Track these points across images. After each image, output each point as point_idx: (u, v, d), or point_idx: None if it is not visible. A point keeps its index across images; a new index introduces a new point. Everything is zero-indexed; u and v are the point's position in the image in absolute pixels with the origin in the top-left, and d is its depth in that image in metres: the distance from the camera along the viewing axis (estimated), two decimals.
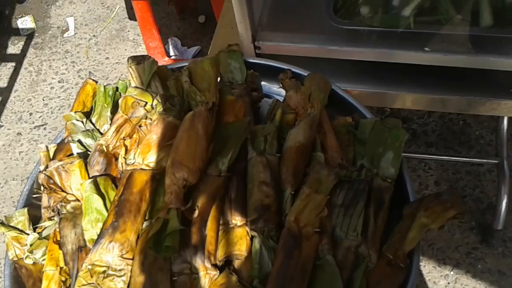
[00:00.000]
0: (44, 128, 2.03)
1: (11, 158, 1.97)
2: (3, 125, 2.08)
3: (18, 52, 2.33)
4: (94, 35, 2.32)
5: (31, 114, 2.09)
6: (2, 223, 0.80)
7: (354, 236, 0.72)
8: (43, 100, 2.12)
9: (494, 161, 1.50)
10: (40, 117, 2.07)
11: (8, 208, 1.84)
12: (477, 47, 0.95)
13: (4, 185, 1.90)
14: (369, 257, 0.72)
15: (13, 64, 2.28)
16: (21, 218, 0.81)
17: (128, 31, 2.32)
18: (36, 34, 2.38)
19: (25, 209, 0.82)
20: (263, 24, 1.07)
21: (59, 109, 2.07)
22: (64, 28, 2.38)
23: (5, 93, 2.18)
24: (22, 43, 2.36)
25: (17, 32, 2.41)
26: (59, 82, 2.17)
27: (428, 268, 1.51)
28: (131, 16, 2.35)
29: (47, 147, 0.88)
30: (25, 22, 2.43)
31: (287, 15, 1.09)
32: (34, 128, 2.04)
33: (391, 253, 0.73)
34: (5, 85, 2.21)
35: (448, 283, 1.48)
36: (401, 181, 0.81)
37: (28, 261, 0.75)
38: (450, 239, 1.55)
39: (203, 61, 0.79)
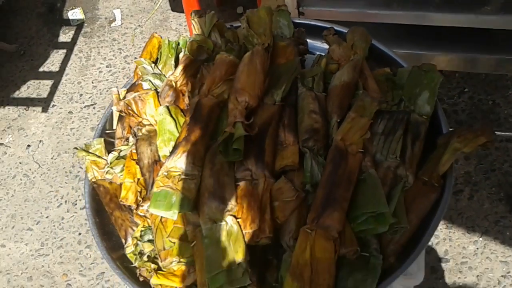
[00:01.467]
0: (94, 108, 2.18)
1: (63, 134, 2.12)
2: (55, 105, 2.24)
3: (69, 40, 2.50)
4: (139, 25, 2.47)
5: (81, 95, 2.25)
6: (83, 149, 0.93)
7: (393, 158, 0.82)
8: (92, 83, 2.28)
9: None
10: (89, 97, 2.22)
11: (61, 178, 1.98)
12: (507, 8, 1.04)
13: (57, 157, 2.05)
14: (406, 177, 0.81)
15: (64, 51, 2.45)
16: (98, 146, 0.94)
17: (171, 21, 2.46)
18: (85, 24, 2.55)
19: (102, 139, 0.95)
20: None
21: (107, 90, 2.22)
22: (111, 19, 2.54)
23: (57, 76, 2.35)
24: (73, 32, 2.53)
25: (67, 22, 2.59)
26: (107, 66, 2.32)
27: (457, 235, 1.58)
28: (174, 8, 2.50)
29: (118, 90, 1.00)
30: (75, 13, 2.61)
31: None
32: (84, 107, 2.19)
33: (426, 176, 0.82)
34: (57, 69, 2.38)
35: (477, 248, 1.55)
36: (436, 119, 0.90)
37: (108, 176, 0.87)
38: (479, 209, 1.62)
39: (259, 10, 0.91)
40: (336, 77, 0.90)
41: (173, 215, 0.76)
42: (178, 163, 0.77)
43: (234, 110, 0.80)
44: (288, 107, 0.85)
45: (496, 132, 1.65)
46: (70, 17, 2.59)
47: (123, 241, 0.86)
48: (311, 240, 0.72)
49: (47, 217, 1.91)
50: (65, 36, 2.53)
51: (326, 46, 1.03)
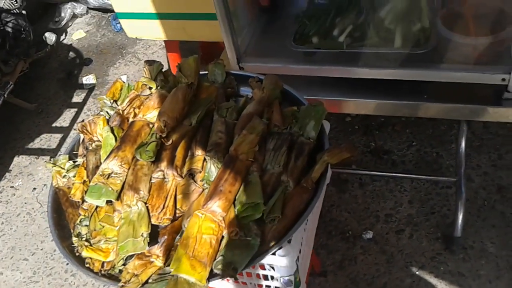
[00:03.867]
0: None
1: None
2: (61, 154, 2.55)
3: (80, 101, 2.87)
4: None
5: None
6: (51, 162, 1.20)
7: (277, 167, 1.05)
8: None
9: (453, 179, 1.76)
10: None
11: None
12: (392, 63, 1.31)
13: None
14: (288, 182, 1.04)
15: (76, 109, 2.81)
16: (63, 160, 1.21)
17: None
18: (96, 88, 2.93)
19: (67, 155, 1.22)
20: (247, 52, 1.48)
21: None
22: None
23: (66, 131, 2.69)
24: (84, 94, 2.91)
25: (81, 86, 2.98)
26: None
27: (396, 269, 1.74)
28: None
29: (83, 120, 1.29)
30: (88, 79, 3.00)
31: (266, 43, 1.50)
32: None
33: (305, 182, 1.05)
34: (67, 125, 2.72)
35: (413, 281, 1.70)
36: (322, 143, 1.14)
37: (64, 180, 1.13)
38: (417, 246, 1.78)
39: (189, 59, 1.20)
40: (246, 109, 1.16)
41: (102, 203, 1.01)
42: (110, 165, 1.03)
43: (157, 125, 1.06)
44: (202, 128, 1.11)
45: (431, 176, 1.87)
46: (84, 82, 2.98)
47: (72, 231, 1.10)
48: (200, 221, 0.95)
49: (41, 249, 2.16)
50: (77, 97, 2.90)
51: None
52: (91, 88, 2.94)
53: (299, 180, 1.07)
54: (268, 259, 1.00)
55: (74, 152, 1.27)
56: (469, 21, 1.27)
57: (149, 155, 1.01)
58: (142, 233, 0.93)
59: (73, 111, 2.81)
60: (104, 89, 2.90)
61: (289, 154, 1.08)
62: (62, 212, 1.15)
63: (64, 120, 2.78)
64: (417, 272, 1.72)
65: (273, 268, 1.07)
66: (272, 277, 1.13)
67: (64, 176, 1.14)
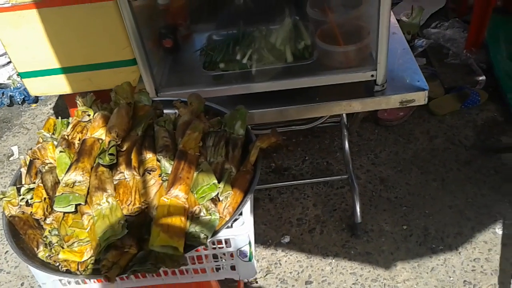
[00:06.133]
0: None
1: None
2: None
3: None
4: None
5: None
6: (0, 194, 1.24)
7: (220, 158, 1.25)
8: None
9: (345, 176, 2.09)
10: None
11: None
12: (287, 75, 1.61)
13: None
14: (231, 169, 1.24)
15: None
16: (12, 191, 1.26)
17: None
18: None
19: (14, 187, 1.27)
20: (162, 84, 1.68)
21: None
22: (9, 154, 2.86)
23: None
24: None
25: None
26: None
27: (316, 261, 1.97)
28: None
29: (24, 157, 1.36)
30: None
31: (178, 75, 1.72)
32: None
33: (244, 167, 1.26)
34: None
35: (332, 267, 1.94)
36: (249, 138, 1.36)
37: (22, 203, 1.19)
38: (329, 239, 2.05)
39: (122, 84, 1.36)
40: (180, 119, 1.35)
41: (71, 208, 1.11)
42: (72, 175, 1.14)
43: (108, 138, 1.20)
44: (147, 137, 1.27)
45: (327, 178, 2.18)
46: None
47: (35, 249, 1.15)
48: (167, 204, 1.09)
49: None
50: None
51: None
52: None
53: (239, 167, 1.27)
54: (226, 232, 1.17)
55: (18, 186, 1.33)
56: (338, 36, 1.63)
57: (111, 158, 1.14)
58: (119, 220, 1.05)
59: None
60: None
61: (227, 147, 1.29)
62: (19, 237, 1.19)
63: None
64: (333, 260, 1.98)
65: (229, 243, 1.24)
66: (222, 258, 1.29)
67: (23, 199, 1.20)
